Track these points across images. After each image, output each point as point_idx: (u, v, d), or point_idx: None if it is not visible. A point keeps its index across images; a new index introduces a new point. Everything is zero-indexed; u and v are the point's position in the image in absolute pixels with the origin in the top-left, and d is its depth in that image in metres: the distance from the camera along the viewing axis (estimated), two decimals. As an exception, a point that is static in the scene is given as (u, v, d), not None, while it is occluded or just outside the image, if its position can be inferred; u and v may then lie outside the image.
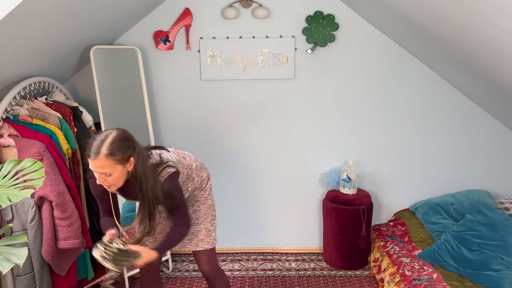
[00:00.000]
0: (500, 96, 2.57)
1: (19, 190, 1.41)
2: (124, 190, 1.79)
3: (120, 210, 2.75)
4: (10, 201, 1.39)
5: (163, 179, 1.75)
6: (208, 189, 2.12)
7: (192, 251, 2.12)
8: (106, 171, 1.58)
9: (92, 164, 1.59)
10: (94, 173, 1.63)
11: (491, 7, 1.60)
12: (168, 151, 1.94)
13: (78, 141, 2.50)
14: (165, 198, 1.75)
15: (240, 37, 2.96)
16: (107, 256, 1.57)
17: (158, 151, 1.87)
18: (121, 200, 2.76)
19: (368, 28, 2.96)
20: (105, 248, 1.59)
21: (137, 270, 2.81)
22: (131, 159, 1.64)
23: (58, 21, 2.14)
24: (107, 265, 1.58)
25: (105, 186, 1.65)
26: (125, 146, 1.62)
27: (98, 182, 1.62)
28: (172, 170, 1.78)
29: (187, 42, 2.96)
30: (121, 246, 1.61)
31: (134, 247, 1.68)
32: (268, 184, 3.18)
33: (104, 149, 1.57)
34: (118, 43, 2.98)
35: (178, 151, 2.03)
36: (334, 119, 3.11)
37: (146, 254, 1.70)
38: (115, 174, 1.61)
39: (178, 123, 3.12)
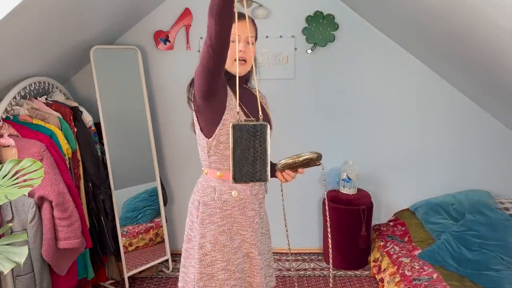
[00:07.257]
0: (500, 96, 2.57)
1: (18, 188, 1.41)
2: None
3: (120, 210, 2.76)
4: (6, 198, 1.38)
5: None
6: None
7: None
8: (250, 35, 1.75)
9: (241, 27, 1.74)
10: (234, 43, 1.75)
11: (491, 7, 1.60)
12: None
13: (78, 141, 2.50)
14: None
15: (240, 37, 2.95)
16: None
17: None
18: (121, 200, 2.77)
19: (368, 28, 2.96)
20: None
21: (137, 270, 2.81)
22: (255, 45, 1.83)
23: (58, 21, 2.14)
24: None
25: (241, 57, 1.76)
26: None
27: (240, 48, 1.76)
28: None
29: (187, 42, 2.96)
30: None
31: None
32: (267, 184, 3.17)
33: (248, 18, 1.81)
34: (118, 43, 2.98)
35: None
36: (334, 119, 3.11)
37: None
38: (253, 47, 1.79)
39: (178, 123, 3.11)
